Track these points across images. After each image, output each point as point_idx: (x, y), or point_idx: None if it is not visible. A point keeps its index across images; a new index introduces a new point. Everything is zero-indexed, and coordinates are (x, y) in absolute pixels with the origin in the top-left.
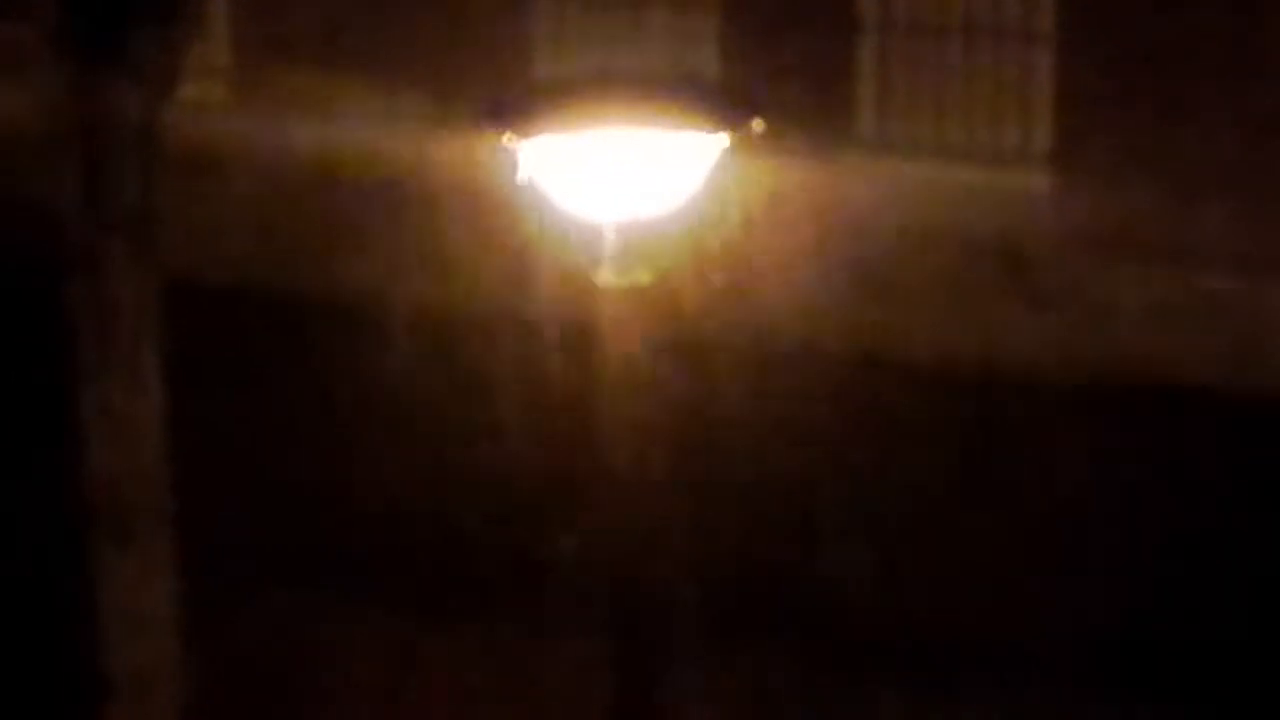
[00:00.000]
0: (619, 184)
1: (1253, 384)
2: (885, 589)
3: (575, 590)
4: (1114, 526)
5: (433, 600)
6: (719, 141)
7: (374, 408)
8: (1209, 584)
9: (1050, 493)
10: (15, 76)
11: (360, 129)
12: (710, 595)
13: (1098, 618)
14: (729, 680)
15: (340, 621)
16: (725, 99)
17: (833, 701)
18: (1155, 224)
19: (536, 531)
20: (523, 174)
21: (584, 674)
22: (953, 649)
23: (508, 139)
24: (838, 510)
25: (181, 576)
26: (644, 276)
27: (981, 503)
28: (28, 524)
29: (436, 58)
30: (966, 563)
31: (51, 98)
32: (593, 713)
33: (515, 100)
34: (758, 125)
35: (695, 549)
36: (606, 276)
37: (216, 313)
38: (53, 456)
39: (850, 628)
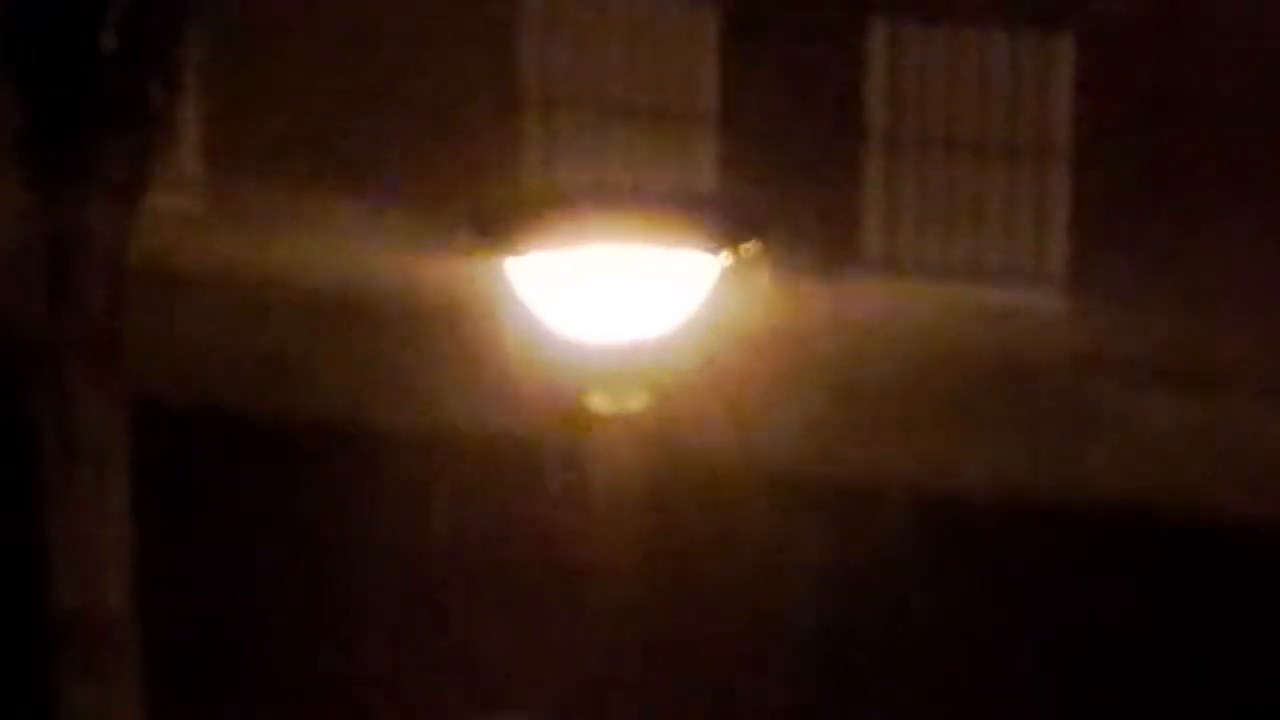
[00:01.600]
0: (612, 303)
1: (1269, 511)
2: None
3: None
4: (1118, 652)
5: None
6: (718, 260)
7: (351, 533)
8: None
9: (1058, 619)
10: None
11: (339, 243)
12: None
13: None
14: None
15: None
16: (724, 215)
17: None
18: (1173, 345)
19: (519, 657)
20: (510, 292)
21: None
22: None
23: (495, 255)
24: (834, 639)
25: (147, 707)
26: (638, 401)
27: (990, 633)
28: None
29: (421, 167)
30: (972, 696)
31: (15, 208)
32: None
33: (503, 213)
34: (756, 245)
35: (688, 672)
36: (599, 401)
37: (187, 435)
38: (15, 583)
39: None
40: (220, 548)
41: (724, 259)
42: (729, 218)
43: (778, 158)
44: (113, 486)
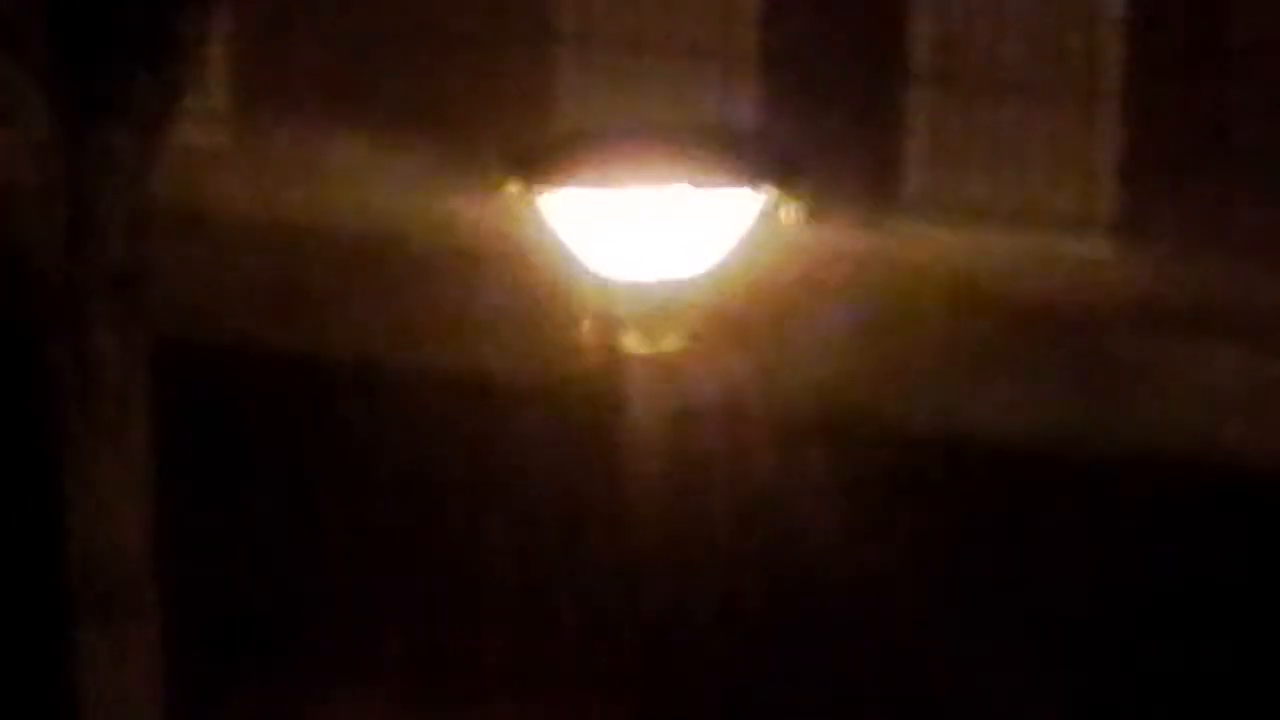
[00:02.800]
0: (647, 242)
1: None
2: (913, 672)
3: (584, 674)
4: (1157, 606)
5: (430, 678)
6: (755, 200)
7: (377, 473)
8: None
9: (1104, 568)
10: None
11: (369, 180)
12: (733, 664)
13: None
14: None
15: (331, 704)
16: (763, 154)
17: None
18: (1222, 293)
19: (546, 610)
20: (545, 230)
21: None
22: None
23: (530, 193)
24: (864, 586)
25: (166, 656)
26: (672, 341)
27: (1031, 583)
28: (8, 602)
29: (454, 102)
30: (1000, 648)
31: (38, 143)
32: None
33: (538, 151)
34: (800, 184)
35: (717, 618)
36: (633, 341)
37: (210, 374)
38: (34, 529)
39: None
40: (243, 488)
41: (762, 199)
42: (767, 157)
43: (818, 97)
44: (133, 426)
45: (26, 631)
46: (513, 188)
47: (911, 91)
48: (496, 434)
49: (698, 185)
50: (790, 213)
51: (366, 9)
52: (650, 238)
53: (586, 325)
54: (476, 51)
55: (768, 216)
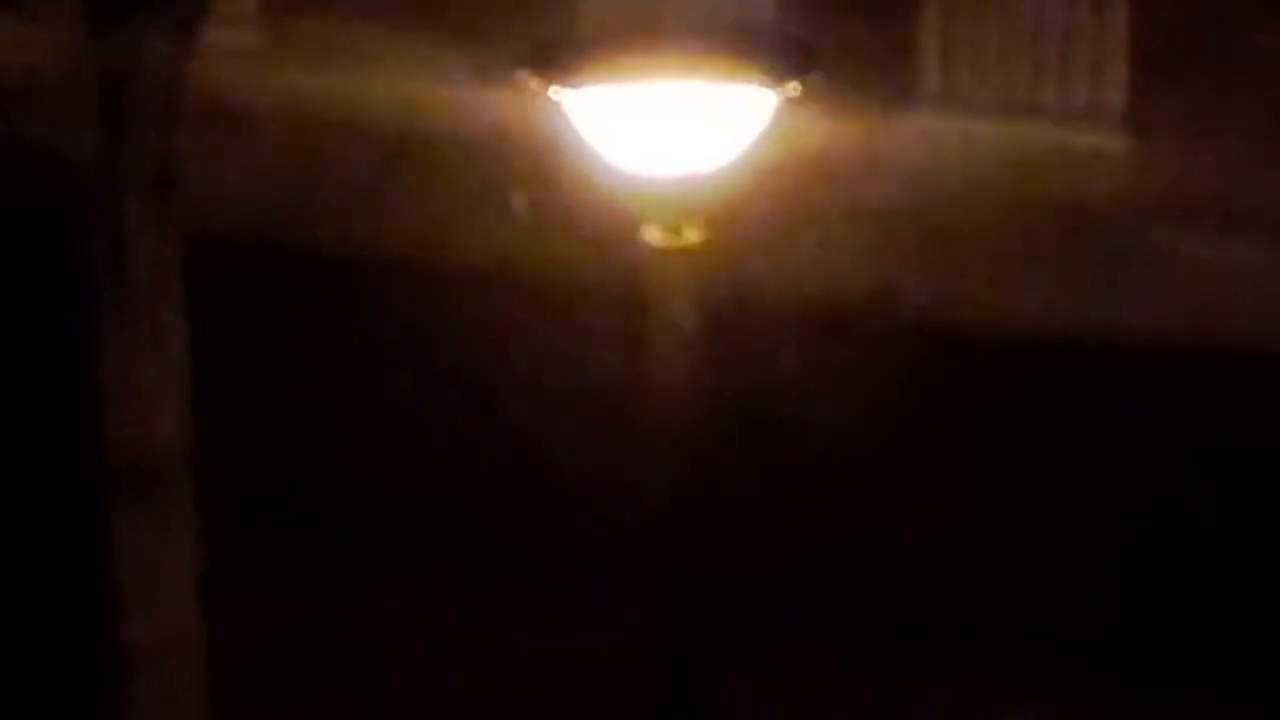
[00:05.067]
0: (670, 138)
1: None
2: (942, 567)
3: (618, 562)
4: (1176, 495)
5: (467, 569)
6: (775, 95)
7: (406, 370)
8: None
9: (1111, 460)
10: (31, 22)
11: (397, 78)
12: (756, 567)
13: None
14: (774, 661)
15: (368, 590)
16: (783, 50)
17: (879, 683)
18: (1234, 186)
19: (578, 500)
20: (568, 126)
21: (627, 651)
22: (1018, 634)
23: (553, 90)
24: (891, 481)
25: (203, 544)
26: (693, 235)
27: (1042, 474)
28: (46, 492)
29: (477, 1)
30: (1030, 540)
31: (68, 44)
32: (632, 688)
33: (561, 49)
34: (816, 79)
35: (743, 517)
36: (655, 234)
37: (242, 272)
38: (71, 423)
39: (902, 607)
40: (279, 386)
41: (780, 94)
42: (786, 52)
43: None
44: (169, 326)
45: (64, 523)
46: (534, 84)
47: None
48: (521, 327)
49: (717, 82)
50: (808, 107)
51: None
52: (670, 134)
53: (608, 220)
54: None
55: (786, 111)
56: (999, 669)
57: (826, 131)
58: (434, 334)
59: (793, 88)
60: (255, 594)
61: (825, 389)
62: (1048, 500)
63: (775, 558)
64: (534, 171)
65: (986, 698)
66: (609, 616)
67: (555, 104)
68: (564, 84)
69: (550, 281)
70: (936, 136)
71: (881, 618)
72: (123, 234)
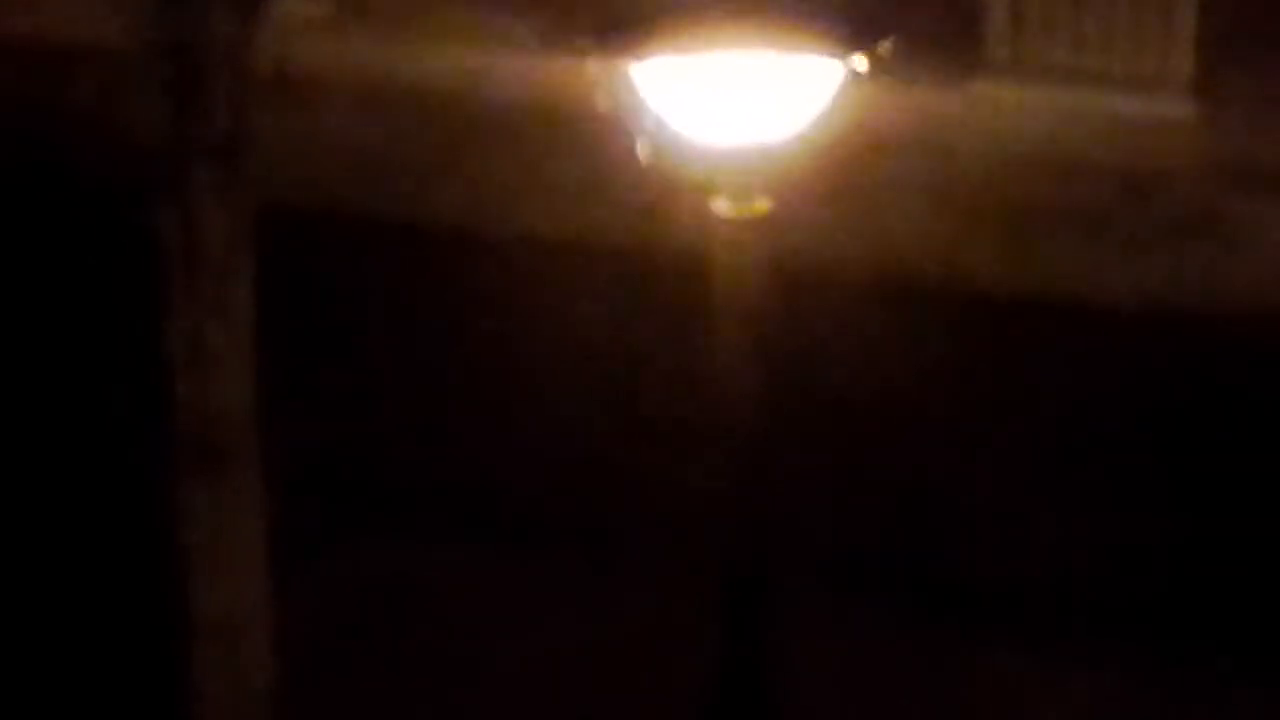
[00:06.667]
0: (738, 108)
1: None
2: (1002, 539)
3: (684, 530)
4: (1237, 469)
5: (534, 543)
6: (843, 65)
7: (474, 341)
8: None
9: (1173, 434)
10: None
11: (467, 50)
12: (819, 536)
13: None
14: (834, 629)
15: (436, 564)
16: (850, 19)
17: (941, 653)
18: None
19: (643, 470)
20: (636, 97)
21: (690, 619)
22: (1071, 602)
23: (622, 60)
24: (951, 452)
25: (272, 515)
26: (762, 204)
27: (1103, 447)
28: (115, 460)
29: None
30: (1090, 514)
31: (139, 14)
32: (697, 658)
33: (630, 20)
34: (884, 48)
35: (803, 487)
36: (723, 204)
37: (312, 242)
38: (140, 391)
39: (962, 577)
40: (348, 355)
41: (848, 64)
42: (854, 22)
43: None
44: (237, 297)
45: (133, 490)
46: (603, 54)
47: None
48: (590, 298)
49: (785, 51)
50: (876, 78)
51: None
52: (738, 103)
53: (677, 189)
54: None
55: (854, 82)
56: (1056, 642)
57: (894, 101)
58: (498, 304)
59: (861, 58)
60: (321, 563)
61: (890, 361)
62: (1109, 474)
63: (834, 530)
64: (597, 141)
65: (1043, 670)
66: (659, 598)
67: (623, 73)
68: (632, 54)
69: (615, 250)
70: (1004, 105)
71: (940, 592)
72: (191, 204)
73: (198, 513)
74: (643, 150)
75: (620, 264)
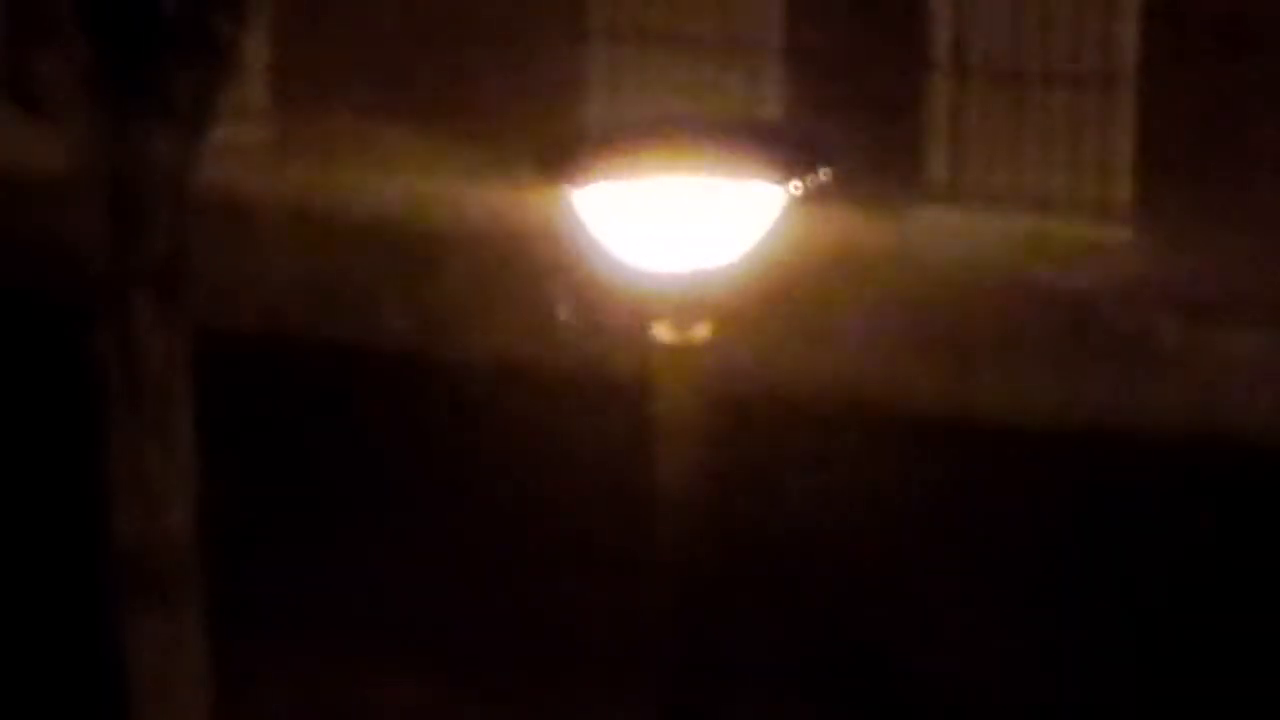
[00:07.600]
0: (678, 233)
1: None
2: (941, 652)
3: (626, 648)
4: (1170, 580)
5: (470, 665)
6: (783, 191)
7: (417, 464)
8: None
9: (1123, 554)
10: (46, 119)
11: (405, 174)
12: (762, 648)
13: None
14: None
15: (374, 686)
16: (790, 146)
17: None
18: (1241, 278)
19: (582, 592)
20: (577, 223)
21: None
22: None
23: (562, 186)
24: (892, 568)
25: (212, 639)
26: (702, 331)
27: (1048, 565)
28: (53, 583)
29: (487, 97)
30: (1038, 633)
31: (81, 138)
32: None
33: (571, 146)
34: (824, 174)
35: (750, 603)
36: (664, 331)
37: (251, 367)
38: (80, 516)
39: (899, 688)
40: (286, 477)
41: (789, 190)
42: (794, 148)
43: (842, 88)
44: (177, 420)
45: (75, 620)
46: (544, 180)
47: (932, 81)
48: (531, 421)
49: (726, 177)
50: (817, 203)
51: (401, 6)
52: (679, 229)
53: (618, 315)
54: (510, 46)
55: (795, 207)
56: None
57: (835, 226)
58: (440, 427)
59: (800, 183)
60: (267, 692)
61: (834, 481)
62: (1052, 592)
63: (777, 642)
64: (544, 268)
65: None
66: (614, 710)
67: (565, 199)
68: (573, 181)
69: (560, 376)
70: (943, 229)
71: (886, 710)
72: (131, 328)
73: (138, 638)
74: (585, 276)
75: (566, 388)
